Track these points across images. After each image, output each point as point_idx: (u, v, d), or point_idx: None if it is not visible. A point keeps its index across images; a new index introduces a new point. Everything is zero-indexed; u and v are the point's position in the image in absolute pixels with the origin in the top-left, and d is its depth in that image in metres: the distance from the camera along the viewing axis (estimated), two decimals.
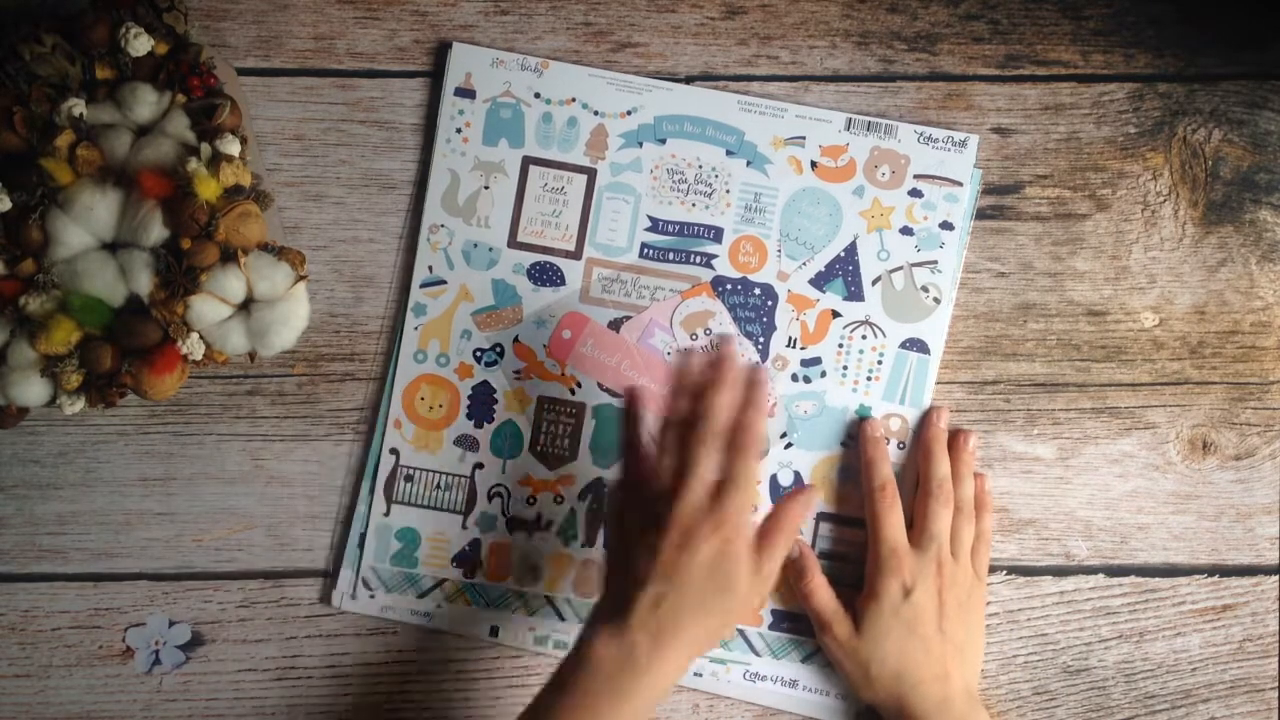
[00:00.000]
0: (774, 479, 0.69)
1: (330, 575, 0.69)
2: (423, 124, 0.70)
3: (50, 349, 0.62)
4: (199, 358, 0.64)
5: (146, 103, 0.64)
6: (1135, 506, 0.70)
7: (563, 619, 0.69)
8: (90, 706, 0.69)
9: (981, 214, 0.70)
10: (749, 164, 0.70)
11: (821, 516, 0.69)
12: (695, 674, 0.69)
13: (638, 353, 0.69)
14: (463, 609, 0.69)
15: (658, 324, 0.69)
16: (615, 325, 0.70)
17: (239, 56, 0.70)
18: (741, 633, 0.69)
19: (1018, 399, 0.70)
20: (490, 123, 0.70)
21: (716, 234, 0.70)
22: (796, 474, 0.69)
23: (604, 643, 0.56)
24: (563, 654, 0.66)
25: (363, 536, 0.69)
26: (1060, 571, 0.70)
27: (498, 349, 0.70)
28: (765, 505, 0.69)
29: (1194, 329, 0.70)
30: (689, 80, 0.71)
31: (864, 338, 0.69)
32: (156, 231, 0.63)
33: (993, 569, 0.69)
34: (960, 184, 0.69)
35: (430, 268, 0.70)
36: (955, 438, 0.69)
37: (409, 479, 0.69)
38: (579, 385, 0.69)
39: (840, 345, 0.69)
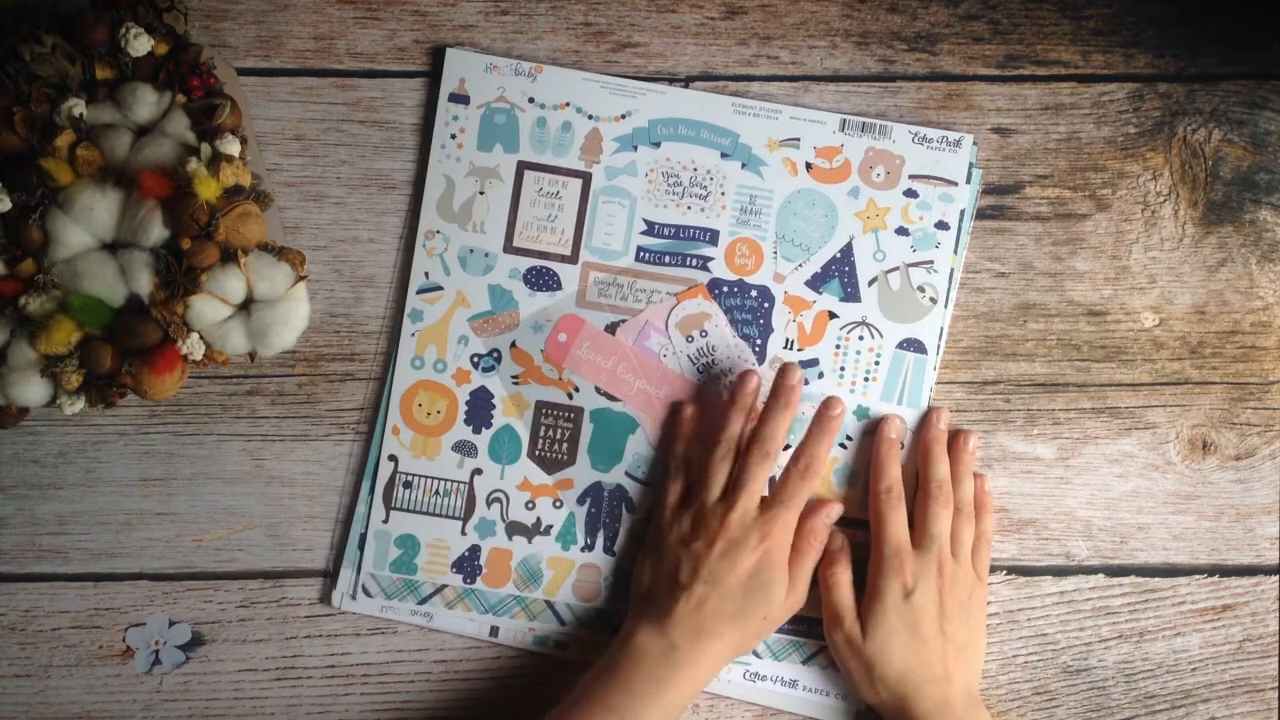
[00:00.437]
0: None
1: (330, 575, 0.69)
2: (422, 124, 0.70)
3: (50, 349, 0.62)
4: (199, 358, 0.64)
5: (146, 103, 0.64)
6: (1135, 506, 0.70)
7: (563, 623, 0.69)
8: (90, 706, 0.69)
9: (981, 214, 0.70)
10: (744, 166, 0.70)
11: None
12: None
13: (633, 355, 0.69)
14: (462, 614, 0.69)
15: (653, 326, 0.69)
16: (612, 329, 0.70)
17: (239, 56, 0.70)
18: None
19: (1018, 399, 0.70)
20: (485, 128, 0.70)
21: (712, 236, 0.70)
22: None
23: (647, 636, 0.63)
24: (562, 655, 0.69)
25: (363, 537, 0.69)
26: (1060, 571, 0.70)
27: (495, 354, 0.69)
28: None
29: (1194, 329, 0.70)
30: (689, 80, 0.71)
31: (861, 338, 0.69)
32: (156, 231, 0.63)
33: (993, 569, 0.69)
34: (955, 184, 0.69)
35: (426, 274, 0.69)
36: (955, 438, 0.69)
37: (408, 485, 0.69)
38: (576, 389, 0.69)
39: (837, 346, 0.69)
